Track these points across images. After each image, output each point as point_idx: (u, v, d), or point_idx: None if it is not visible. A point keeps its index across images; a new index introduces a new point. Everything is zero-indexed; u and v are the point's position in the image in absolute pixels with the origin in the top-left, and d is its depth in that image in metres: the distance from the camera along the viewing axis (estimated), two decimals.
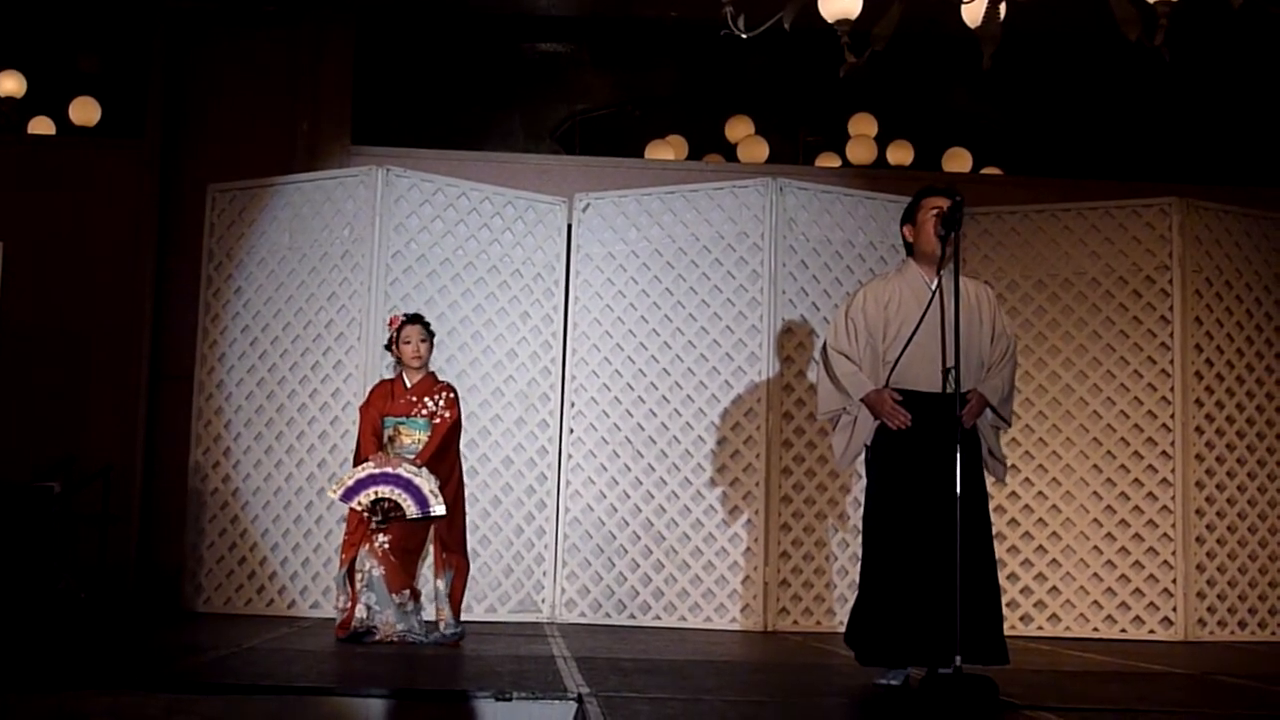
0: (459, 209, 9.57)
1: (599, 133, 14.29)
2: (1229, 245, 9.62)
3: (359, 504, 7.52)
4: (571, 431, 9.58)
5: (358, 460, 7.70)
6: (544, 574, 9.47)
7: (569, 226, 9.88)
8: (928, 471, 5.89)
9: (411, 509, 7.47)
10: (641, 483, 9.40)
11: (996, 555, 9.16)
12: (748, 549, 9.18)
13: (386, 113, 13.06)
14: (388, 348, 7.95)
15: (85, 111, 12.81)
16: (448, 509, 7.53)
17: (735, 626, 9.12)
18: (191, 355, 9.89)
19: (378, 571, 7.47)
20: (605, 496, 9.44)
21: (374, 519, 7.51)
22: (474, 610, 9.01)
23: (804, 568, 9.24)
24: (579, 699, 5.15)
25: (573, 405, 9.60)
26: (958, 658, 5.48)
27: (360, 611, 7.45)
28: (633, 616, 9.29)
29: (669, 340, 9.52)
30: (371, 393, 7.94)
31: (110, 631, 8.17)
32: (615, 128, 14.47)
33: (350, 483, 7.56)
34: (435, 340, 7.95)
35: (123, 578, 10.86)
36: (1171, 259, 9.41)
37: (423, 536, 7.69)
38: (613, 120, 14.54)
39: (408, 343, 7.76)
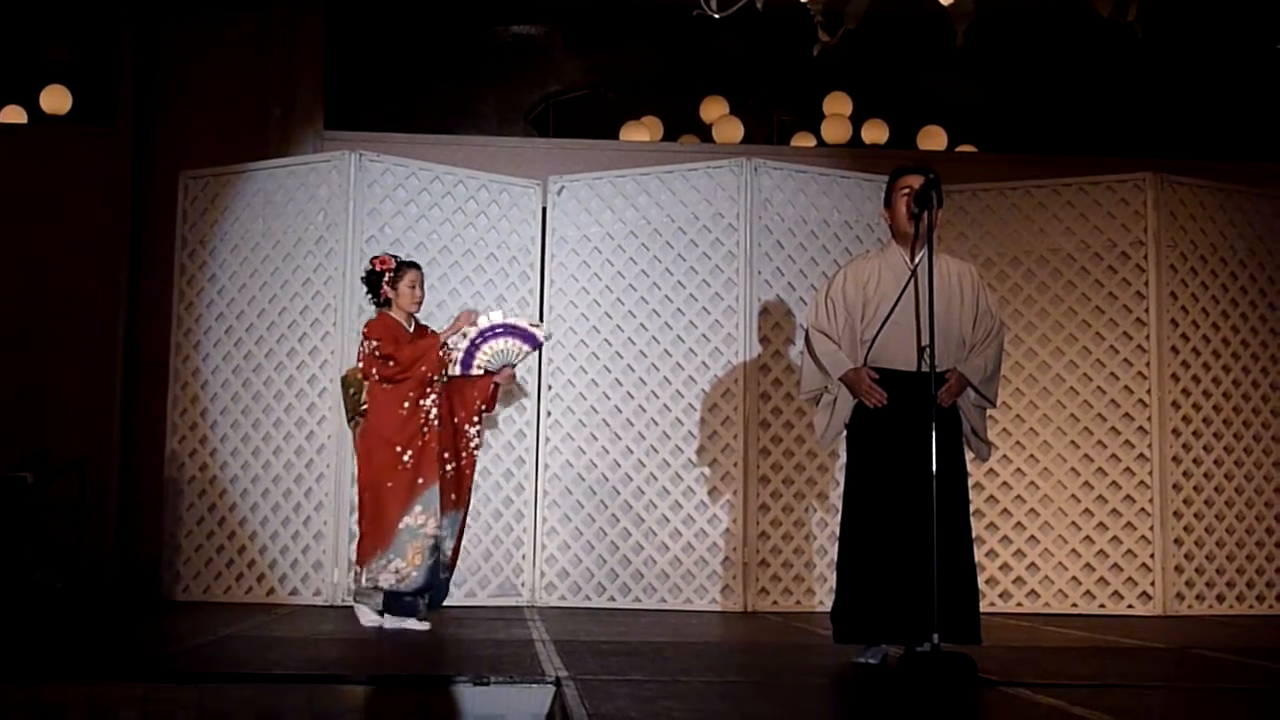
0: (433, 193, 9.54)
1: (573, 115, 14.27)
2: (1203, 220, 9.64)
3: (479, 366, 7.64)
4: (549, 415, 9.56)
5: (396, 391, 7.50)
6: (523, 558, 9.45)
7: (544, 209, 9.85)
8: (904, 450, 5.88)
9: (524, 348, 7.68)
10: (619, 465, 9.39)
11: (974, 533, 9.21)
12: (726, 530, 9.18)
13: (359, 97, 13.02)
14: (375, 288, 7.68)
15: (56, 99, 12.74)
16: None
17: (715, 608, 9.12)
18: (167, 343, 9.83)
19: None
20: (583, 480, 9.43)
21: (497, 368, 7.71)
22: (453, 595, 8.95)
23: (783, 548, 9.24)
24: (557, 682, 5.16)
25: (549, 388, 9.57)
26: (935, 636, 5.49)
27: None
28: (612, 599, 9.28)
29: (645, 322, 9.50)
30: (391, 330, 7.60)
31: (87, 621, 8.15)
32: (589, 110, 14.45)
33: (459, 354, 7.63)
34: None
35: (101, 568, 10.84)
36: (1146, 234, 9.42)
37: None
38: (587, 102, 14.53)
39: (412, 286, 7.65)
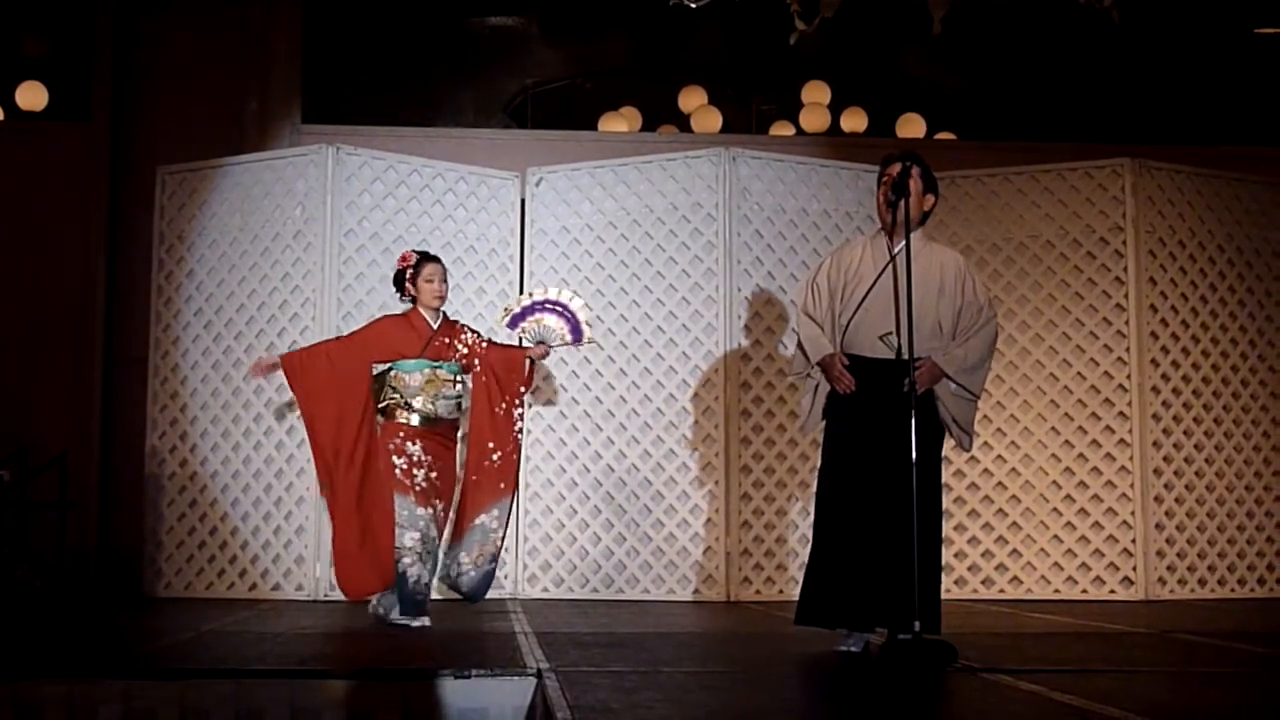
0: (411, 186, 9.51)
1: (551, 106, 14.26)
2: (1181, 205, 9.66)
3: (522, 330, 7.57)
4: (530, 406, 9.54)
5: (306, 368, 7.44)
6: (505, 550, 9.42)
7: (522, 201, 9.83)
8: (872, 437, 5.90)
9: (567, 336, 7.54)
10: (601, 456, 9.38)
11: (956, 520, 9.24)
12: (709, 520, 9.18)
13: (336, 90, 12.98)
14: (399, 286, 7.58)
15: (32, 96, 12.68)
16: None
17: (698, 598, 9.12)
18: (146, 339, 9.80)
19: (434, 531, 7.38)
20: (565, 471, 9.42)
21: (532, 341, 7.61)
22: (436, 588, 9.01)
23: (765, 537, 9.24)
24: (538, 674, 5.15)
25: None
26: (916, 623, 5.51)
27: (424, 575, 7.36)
28: (595, 591, 9.28)
29: (625, 313, 9.49)
30: (383, 323, 7.59)
31: (68, 619, 8.12)
32: (567, 101, 14.44)
33: (517, 309, 7.59)
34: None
35: (82, 565, 10.79)
36: (1125, 220, 9.44)
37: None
38: (565, 93, 14.52)
39: (429, 281, 7.45)
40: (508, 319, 7.66)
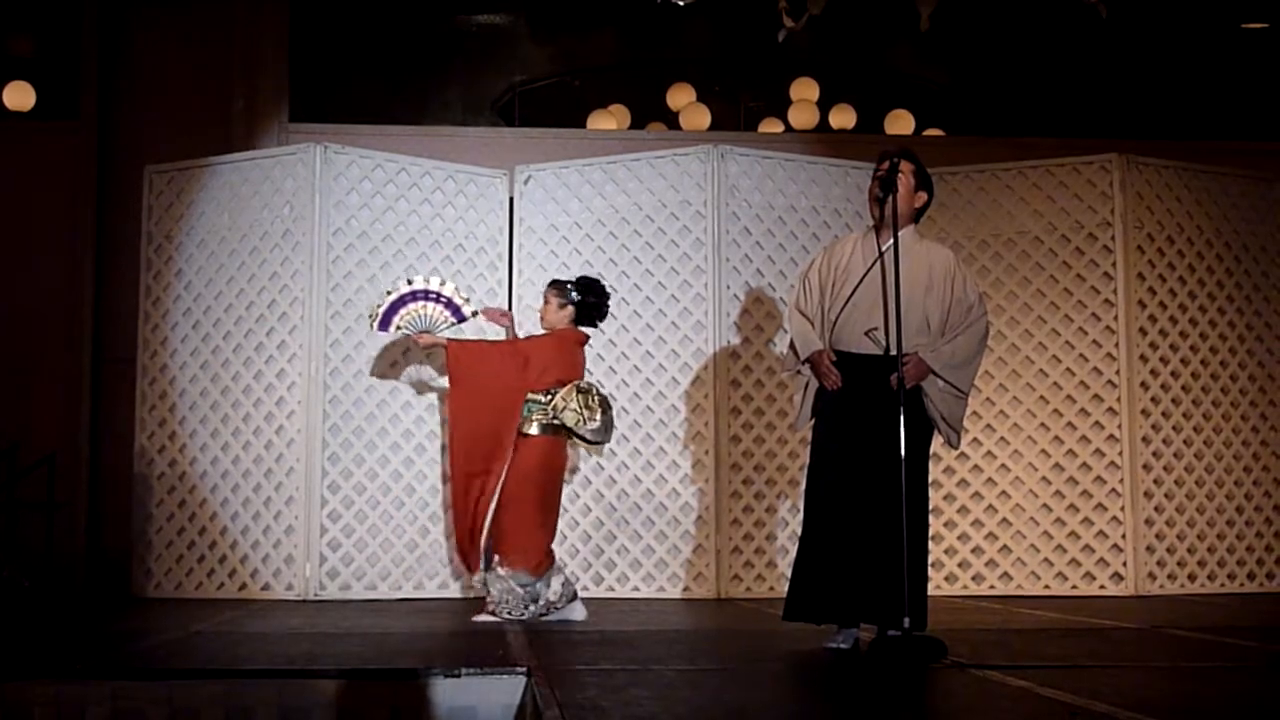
0: (399, 184, 9.49)
1: (540, 104, 14.26)
2: (1169, 200, 9.66)
3: (396, 328, 7.69)
4: None
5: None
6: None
7: (511, 199, 9.82)
8: (857, 433, 5.90)
9: (449, 318, 7.67)
10: (590, 453, 9.37)
11: (945, 517, 9.25)
12: (699, 517, 9.17)
13: (323, 89, 12.96)
14: None
15: (19, 96, 12.65)
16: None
17: (688, 595, 9.12)
18: (134, 339, 9.78)
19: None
20: None
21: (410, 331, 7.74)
22: (426, 588, 9.06)
23: (755, 534, 9.24)
24: (528, 673, 5.14)
25: None
26: (906, 620, 5.52)
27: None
28: (586, 588, 9.24)
29: (614, 311, 9.40)
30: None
31: (57, 620, 8.11)
32: (556, 98, 14.44)
33: (380, 313, 7.70)
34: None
35: (71, 565, 10.77)
36: (1113, 215, 9.45)
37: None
38: (553, 91, 14.51)
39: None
40: (377, 321, 7.74)
